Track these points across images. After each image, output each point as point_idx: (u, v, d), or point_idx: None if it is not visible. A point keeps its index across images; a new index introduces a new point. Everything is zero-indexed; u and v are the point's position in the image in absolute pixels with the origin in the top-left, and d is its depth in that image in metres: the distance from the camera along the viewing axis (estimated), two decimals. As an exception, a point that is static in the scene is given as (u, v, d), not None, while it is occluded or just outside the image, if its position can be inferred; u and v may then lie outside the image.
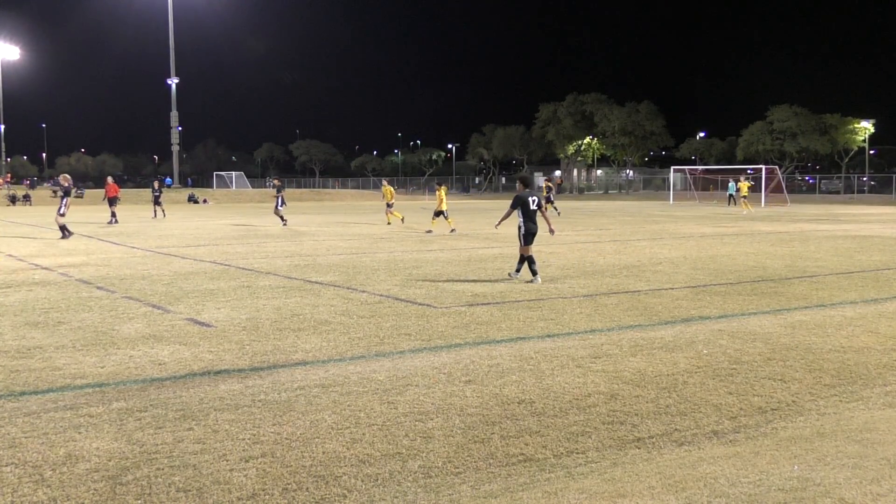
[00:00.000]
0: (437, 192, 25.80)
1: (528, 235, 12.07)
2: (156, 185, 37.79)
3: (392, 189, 30.01)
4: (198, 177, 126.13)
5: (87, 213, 42.34)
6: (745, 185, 42.08)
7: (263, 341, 8.10)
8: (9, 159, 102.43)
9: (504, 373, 6.77)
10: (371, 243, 20.44)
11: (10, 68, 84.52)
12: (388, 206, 29.46)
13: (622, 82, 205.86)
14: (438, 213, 25.23)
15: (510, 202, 12.49)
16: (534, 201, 12.16)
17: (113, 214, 30.63)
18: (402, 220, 29.05)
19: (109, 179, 32.50)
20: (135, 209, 49.76)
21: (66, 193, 23.29)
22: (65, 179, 24.08)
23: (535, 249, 17.95)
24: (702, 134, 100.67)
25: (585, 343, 7.97)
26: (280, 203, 29.71)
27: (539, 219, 12.33)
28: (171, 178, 77.34)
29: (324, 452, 4.86)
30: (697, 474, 4.28)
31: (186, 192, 67.91)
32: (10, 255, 17.44)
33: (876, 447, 4.69)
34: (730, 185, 52.90)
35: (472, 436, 5.17)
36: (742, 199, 42.05)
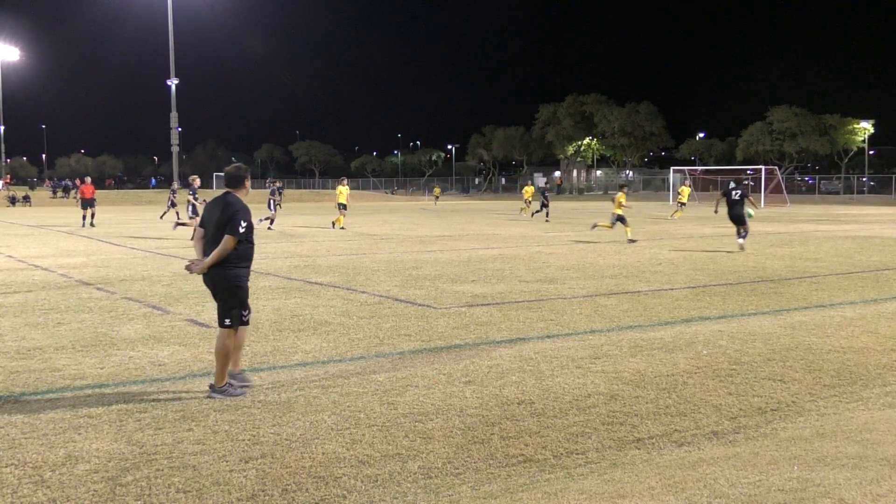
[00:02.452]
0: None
1: (730, 217, 17.56)
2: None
3: (348, 190, 27.84)
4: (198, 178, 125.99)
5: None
6: (686, 191, 36.10)
7: (263, 342, 8.10)
8: (9, 160, 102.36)
9: (504, 373, 6.77)
10: (371, 244, 20.44)
11: (10, 69, 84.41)
12: (342, 207, 27.11)
13: (622, 83, 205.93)
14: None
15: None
16: (736, 192, 17.43)
17: (85, 216, 28.62)
18: (339, 226, 26.93)
19: (88, 180, 30.30)
20: (135, 210, 49.84)
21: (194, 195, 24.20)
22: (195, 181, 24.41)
23: (534, 250, 18.08)
24: (701, 134, 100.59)
25: (585, 344, 7.97)
26: (191, 209, 24.80)
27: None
28: (163, 179, 77.24)
29: (323, 453, 4.86)
30: (697, 475, 4.28)
31: (186, 193, 67.79)
32: (10, 256, 17.44)
33: (876, 448, 4.69)
34: (730, 184, 52.58)
35: (471, 436, 5.17)
36: (679, 206, 35.28)
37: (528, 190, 38.91)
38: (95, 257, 17.12)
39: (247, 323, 6.27)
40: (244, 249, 6.13)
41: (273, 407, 5.80)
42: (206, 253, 6.13)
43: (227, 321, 6.10)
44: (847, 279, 13.04)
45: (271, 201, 28.40)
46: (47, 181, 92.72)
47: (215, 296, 6.22)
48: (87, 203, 28.84)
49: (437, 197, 62.77)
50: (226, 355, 6.10)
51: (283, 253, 18.05)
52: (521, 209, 38.06)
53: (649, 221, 31.87)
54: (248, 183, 6.39)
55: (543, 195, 34.20)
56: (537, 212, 34.00)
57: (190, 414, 5.63)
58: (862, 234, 23.64)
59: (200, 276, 6.25)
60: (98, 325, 9.05)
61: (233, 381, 6.17)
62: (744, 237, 17.54)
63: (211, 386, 6.14)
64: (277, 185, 32.55)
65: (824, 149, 78.16)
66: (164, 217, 32.93)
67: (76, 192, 65.92)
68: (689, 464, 4.58)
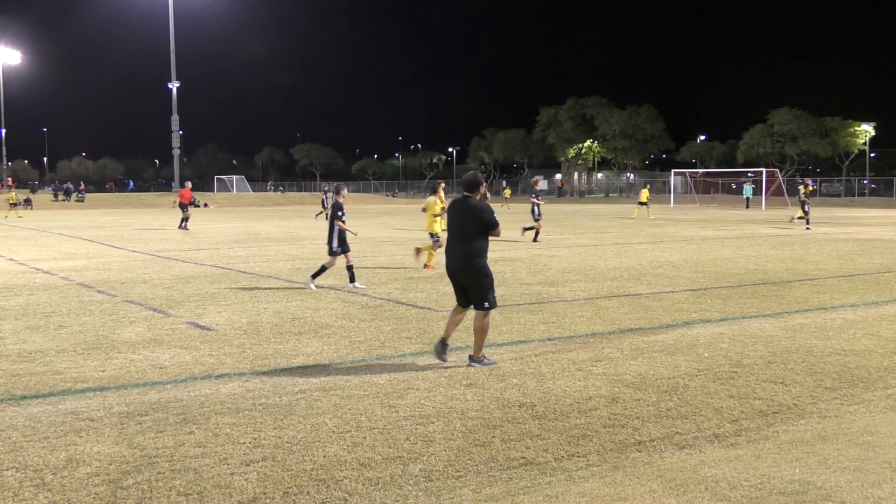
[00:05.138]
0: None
1: None
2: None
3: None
4: (199, 180, 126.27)
5: (89, 217, 42.46)
6: (644, 192, 38.05)
7: (264, 345, 8.10)
8: (10, 163, 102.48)
9: (505, 376, 6.77)
10: (372, 247, 20.44)
11: (12, 73, 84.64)
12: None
13: (623, 85, 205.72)
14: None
15: None
16: None
17: (184, 219, 29.18)
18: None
19: (188, 185, 31.86)
20: (135, 213, 49.91)
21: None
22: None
23: (536, 252, 18.06)
24: (702, 137, 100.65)
25: (586, 346, 7.97)
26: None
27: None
28: (164, 182, 77.29)
29: (325, 456, 4.86)
30: (698, 477, 4.28)
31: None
32: (12, 259, 17.46)
33: (877, 450, 4.69)
34: (745, 188, 52.71)
35: (473, 439, 5.17)
36: (643, 206, 37.27)
37: (645, 193, 37.03)
38: (96, 260, 17.13)
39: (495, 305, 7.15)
40: (488, 243, 7.07)
41: (274, 410, 5.80)
42: (449, 250, 7.07)
43: (487, 304, 7.00)
44: (848, 282, 13.03)
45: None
46: (36, 183, 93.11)
47: (468, 284, 7.04)
48: (186, 206, 29.74)
49: (507, 198, 55.81)
50: (484, 332, 7.05)
51: (284, 255, 18.06)
52: (635, 213, 37.19)
53: (650, 224, 31.85)
54: (482, 188, 7.26)
55: (803, 199, 28.91)
56: (800, 217, 29.21)
57: (191, 417, 5.63)
58: (863, 237, 23.63)
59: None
60: (99, 327, 9.06)
61: (486, 356, 7.18)
62: None
63: (470, 357, 7.14)
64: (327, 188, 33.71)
65: (825, 151, 78.18)
66: (318, 216, 37.04)
67: (79, 195, 65.98)
68: (691, 466, 4.58)
